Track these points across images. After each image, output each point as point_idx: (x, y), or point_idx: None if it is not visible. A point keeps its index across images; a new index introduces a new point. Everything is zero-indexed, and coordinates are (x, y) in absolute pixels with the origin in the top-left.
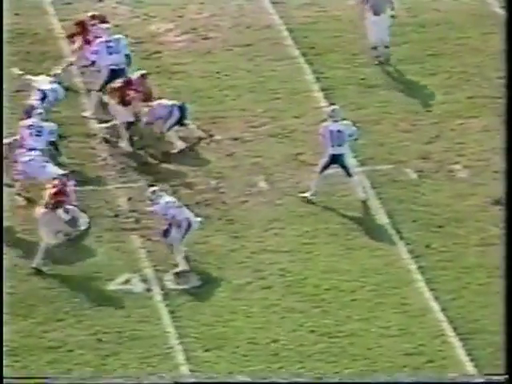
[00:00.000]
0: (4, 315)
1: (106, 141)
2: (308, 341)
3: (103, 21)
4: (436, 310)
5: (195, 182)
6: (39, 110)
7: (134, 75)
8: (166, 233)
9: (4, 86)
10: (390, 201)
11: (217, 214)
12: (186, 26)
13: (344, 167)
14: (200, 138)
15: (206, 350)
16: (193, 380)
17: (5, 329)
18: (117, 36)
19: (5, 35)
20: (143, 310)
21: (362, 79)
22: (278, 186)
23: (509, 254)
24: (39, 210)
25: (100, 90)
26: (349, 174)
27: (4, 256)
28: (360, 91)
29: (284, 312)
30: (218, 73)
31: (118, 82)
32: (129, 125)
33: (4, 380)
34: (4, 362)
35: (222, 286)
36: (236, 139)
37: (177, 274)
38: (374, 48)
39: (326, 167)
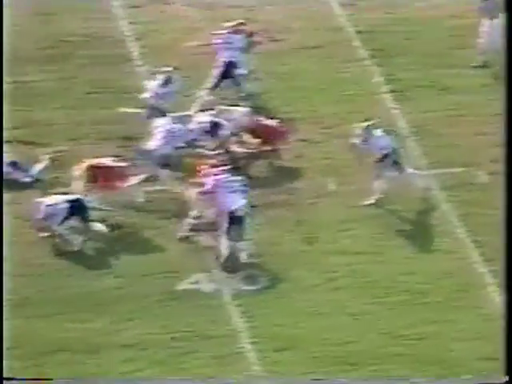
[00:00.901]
0: (78, 313)
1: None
2: (380, 343)
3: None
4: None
5: (267, 183)
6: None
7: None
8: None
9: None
10: (462, 204)
11: (288, 215)
12: (256, 28)
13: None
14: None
15: (278, 351)
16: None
17: (80, 326)
18: (238, 36)
19: (75, 39)
20: (214, 310)
21: (433, 81)
22: (349, 187)
23: (508, 252)
24: (193, 191)
25: (215, 88)
26: (400, 170)
27: (74, 257)
28: (431, 93)
29: (356, 314)
30: (287, 74)
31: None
32: None
33: (4, 380)
34: (83, 358)
35: (294, 286)
36: (306, 140)
37: (247, 275)
38: (482, 53)
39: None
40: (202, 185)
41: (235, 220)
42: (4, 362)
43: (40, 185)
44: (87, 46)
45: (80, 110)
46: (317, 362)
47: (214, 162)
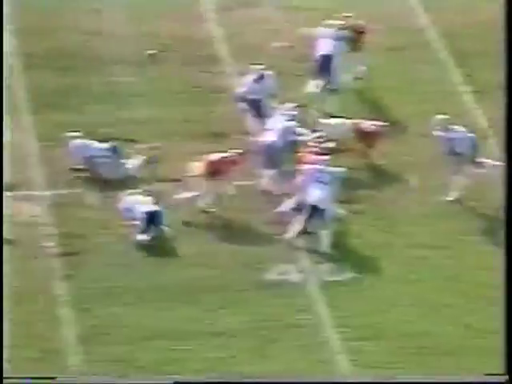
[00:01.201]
0: (170, 302)
1: None
2: (461, 336)
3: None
4: None
5: (349, 177)
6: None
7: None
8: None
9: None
10: None
11: (371, 209)
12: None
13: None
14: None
15: (362, 340)
16: (192, 380)
17: (171, 314)
18: (339, 31)
19: (167, 41)
20: (300, 300)
21: None
22: (429, 183)
23: (508, 252)
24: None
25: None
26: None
27: (167, 248)
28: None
29: (437, 306)
30: (369, 74)
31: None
32: None
33: (4, 380)
34: (173, 345)
35: (376, 278)
36: (388, 138)
37: (332, 266)
38: None
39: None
40: (299, 174)
41: (316, 211)
42: (96, 347)
43: (132, 181)
44: (179, 48)
45: (172, 109)
46: (398, 352)
47: (314, 150)
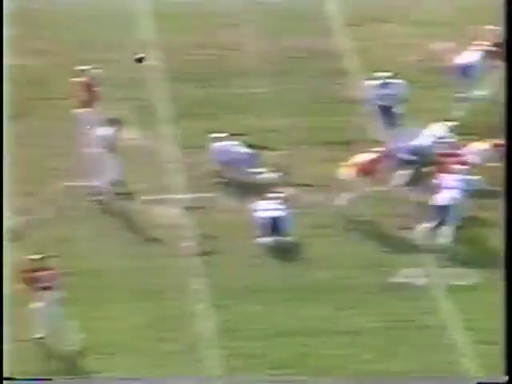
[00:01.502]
0: (296, 301)
1: None
2: None
3: None
4: None
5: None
6: None
7: None
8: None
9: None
10: None
11: (498, 217)
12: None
13: None
14: None
15: (483, 344)
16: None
17: (298, 313)
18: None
19: (298, 54)
20: (426, 302)
21: None
22: None
23: (507, 253)
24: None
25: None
26: None
27: (297, 250)
28: None
29: None
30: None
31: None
32: None
33: (4, 380)
34: (302, 341)
35: (501, 283)
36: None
37: (457, 271)
38: None
39: None
40: (436, 179)
41: (446, 213)
42: (230, 342)
43: (266, 186)
44: (309, 61)
45: (301, 118)
46: None
47: (454, 159)
